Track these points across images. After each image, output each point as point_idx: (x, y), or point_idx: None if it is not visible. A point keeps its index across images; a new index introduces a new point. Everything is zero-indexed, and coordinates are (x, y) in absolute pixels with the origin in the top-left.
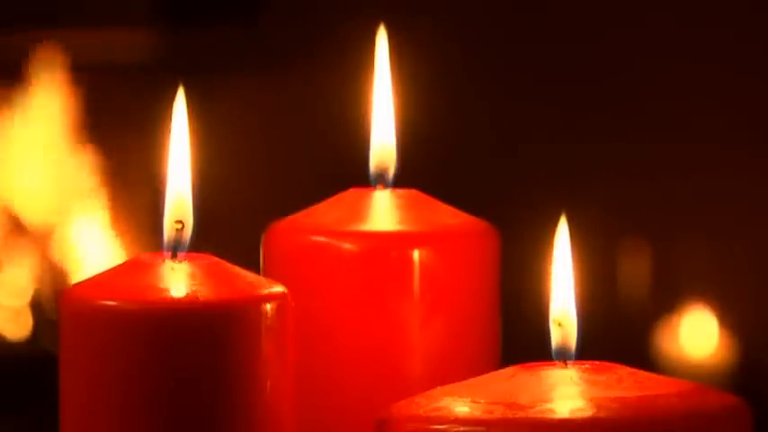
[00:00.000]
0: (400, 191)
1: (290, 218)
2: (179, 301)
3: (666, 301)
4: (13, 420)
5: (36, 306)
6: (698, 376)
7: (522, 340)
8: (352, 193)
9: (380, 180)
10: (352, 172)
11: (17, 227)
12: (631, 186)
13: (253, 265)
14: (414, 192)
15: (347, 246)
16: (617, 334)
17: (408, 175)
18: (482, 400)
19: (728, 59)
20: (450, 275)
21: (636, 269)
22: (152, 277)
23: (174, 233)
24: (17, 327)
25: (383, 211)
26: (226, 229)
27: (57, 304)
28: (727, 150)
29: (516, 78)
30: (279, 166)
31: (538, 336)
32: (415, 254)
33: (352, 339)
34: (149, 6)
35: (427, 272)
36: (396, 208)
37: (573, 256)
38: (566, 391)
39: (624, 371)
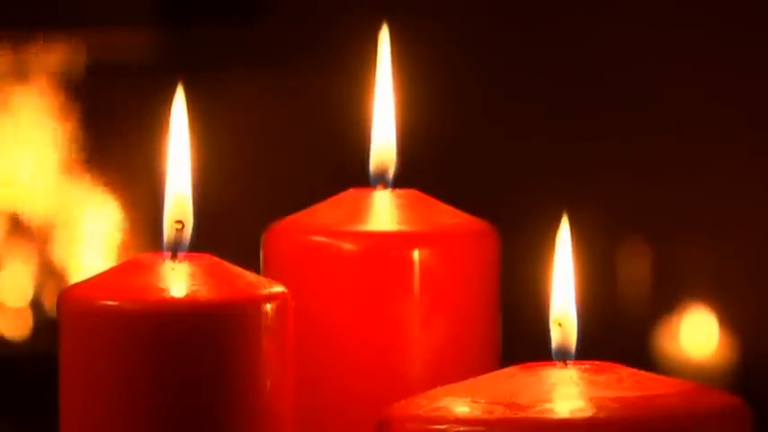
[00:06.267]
0: (400, 191)
1: (290, 218)
2: (179, 301)
3: (666, 301)
4: (13, 421)
5: (36, 306)
6: (698, 376)
7: (522, 340)
8: (352, 193)
9: (380, 180)
10: (352, 172)
11: (17, 227)
12: (631, 186)
13: (253, 265)
14: (414, 192)
15: (347, 246)
16: (617, 334)
17: (408, 175)
18: (482, 400)
19: (729, 59)
20: (451, 275)
21: (636, 269)
22: (152, 277)
23: (174, 233)
24: (17, 327)
25: (383, 211)
26: (226, 229)
27: (57, 304)
28: (727, 150)
29: (517, 78)
30: (279, 166)
31: (538, 336)
32: (415, 254)
33: (351, 339)
34: (149, 6)
35: (427, 272)
36: (396, 208)
37: (573, 256)
38: (566, 391)
39: (624, 371)
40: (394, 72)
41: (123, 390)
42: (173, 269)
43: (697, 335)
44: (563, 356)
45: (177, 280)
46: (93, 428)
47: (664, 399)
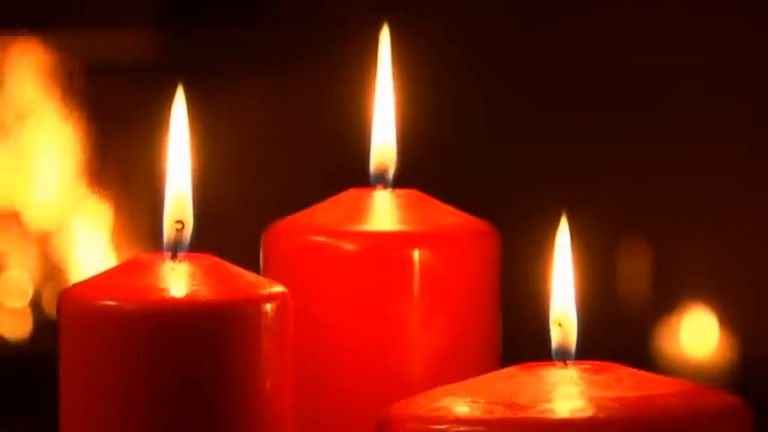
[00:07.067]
0: (400, 191)
1: (290, 218)
2: (179, 301)
3: (666, 301)
4: (13, 421)
5: (36, 306)
6: (698, 376)
7: (522, 340)
8: (352, 193)
9: (380, 180)
10: (352, 172)
11: (17, 227)
12: (631, 186)
13: (253, 265)
14: (414, 192)
15: (347, 246)
16: (617, 334)
17: (408, 175)
18: (482, 400)
19: (729, 59)
20: (451, 275)
21: (636, 269)
22: (152, 277)
23: (174, 233)
24: (17, 327)
25: (383, 211)
26: (226, 229)
27: (57, 304)
28: (727, 150)
29: (517, 79)
30: (279, 166)
31: (538, 336)
32: (415, 254)
33: (352, 339)
34: (149, 6)
35: (427, 272)
36: (396, 208)
37: (573, 256)
38: (566, 391)
39: (624, 371)
40: (394, 72)
41: (123, 390)
42: (173, 269)
43: (697, 335)
44: (563, 356)
45: (177, 280)
46: (93, 428)
47: (664, 399)
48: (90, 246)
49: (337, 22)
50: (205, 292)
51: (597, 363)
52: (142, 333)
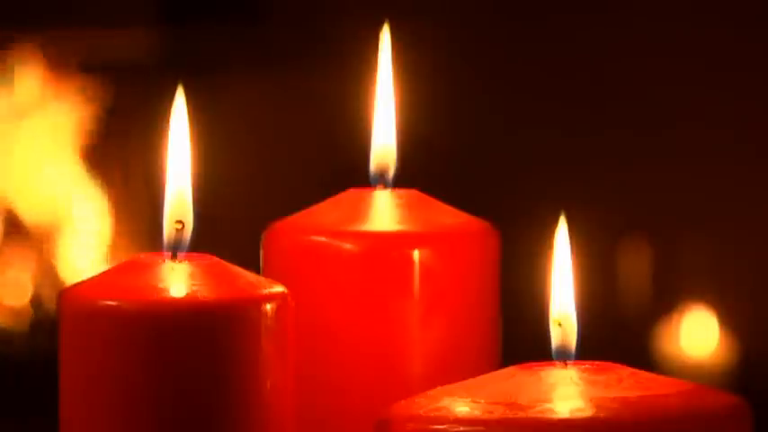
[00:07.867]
0: (400, 191)
1: (290, 218)
2: (179, 301)
3: (666, 301)
4: (13, 420)
5: (36, 306)
6: (698, 376)
7: (522, 340)
8: (352, 193)
9: (380, 180)
10: (352, 172)
11: (17, 227)
12: (632, 185)
13: (253, 265)
14: (414, 192)
15: (347, 246)
16: (617, 334)
17: (408, 175)
18: (482, 400)
19: (730, 59)
20: (450, 275)
21: (636, 269)
22: (152, 277)
23: (174, 233)
24: (17, 326)
25: (383, 211)
26: (226, 229)
27: (57, 304)
28: (727, 150)
29: (517, 78)
30: (279, 166)
31: (538, 336)
32: (415, 254)
33: (352, 339)
34: (149, 6)
35: (427, 272)
36: (396, 208)
37: (573, 256)
38: (566, 391)
39: (624, 371)
40: (394, 72)
41: (123, 390)
42: (173, 269)
43: (697, 335)
44: (563, 356)
45: (177, 280)
46: (93, 428)
47: (664, 399)
48: (90, 246)
49: (338, 23)
50: (205, 292)
51: (597, 363)
52: (142, 333)
